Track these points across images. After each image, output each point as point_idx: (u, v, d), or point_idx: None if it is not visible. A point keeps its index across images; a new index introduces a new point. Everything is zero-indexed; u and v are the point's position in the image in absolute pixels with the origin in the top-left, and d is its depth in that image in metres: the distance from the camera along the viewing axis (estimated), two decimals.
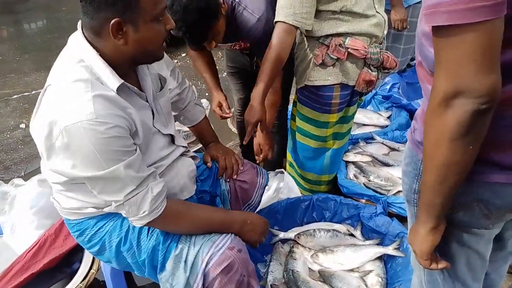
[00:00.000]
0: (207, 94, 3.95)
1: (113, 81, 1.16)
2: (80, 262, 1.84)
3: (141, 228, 1.37)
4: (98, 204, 1.34)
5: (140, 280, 2.05)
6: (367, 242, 1.95)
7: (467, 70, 0.70)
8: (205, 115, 1.81)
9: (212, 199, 1.69)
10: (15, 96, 4.39)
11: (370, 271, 1.82)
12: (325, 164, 2.24)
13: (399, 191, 2.28)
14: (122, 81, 1.18)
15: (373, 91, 3.21)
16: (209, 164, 1.69)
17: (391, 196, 2.23)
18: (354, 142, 2.76)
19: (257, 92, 1.74)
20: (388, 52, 1.91)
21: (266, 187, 1.86)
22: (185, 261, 1.33)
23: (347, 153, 2.57)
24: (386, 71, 1.94)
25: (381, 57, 1.85)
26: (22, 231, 1.89)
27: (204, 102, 3.18)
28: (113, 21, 1.09)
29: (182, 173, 1.49)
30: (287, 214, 2.08)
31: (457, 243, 1.05)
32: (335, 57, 1.82)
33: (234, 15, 1.82)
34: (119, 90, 1.17)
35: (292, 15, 1.65)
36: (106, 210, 1.36)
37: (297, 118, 2.13)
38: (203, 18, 1.65)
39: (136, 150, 1.20)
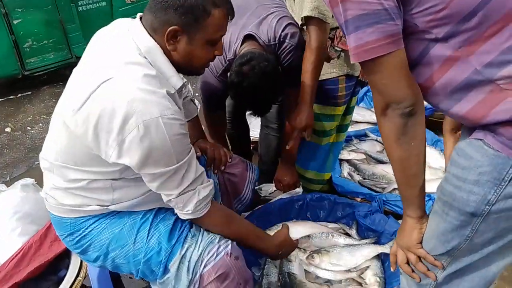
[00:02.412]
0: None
1: (177, 80, 1.21)
2: (67, 269, 1.77)
3: (140, 226, 1.34)
4: (108, 201, 1.32)
5: (129, 286, 1.99)
6: (363, 241, 1.91)
7: (388, 87, 0.95)
8: (197, 113, 1.78)
9: None
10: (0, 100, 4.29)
11: (367, 269, 1.77)
12: (329, 160, 2.20)
13: (394, 189, 2.23)
14: (184, 81, 1.22)
15: (365, 88, 3.17)
16: (199, 154, 1.65)
17: (386, 193, 2.19)
18: (347, 139, 2.71)
19: (305, 95, 1.75)
20: None
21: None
22: (189, 261, 1.30)
23: (341, 151, 2.52)
24: None
25: None
26: (4, 238, 1.81)
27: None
28: (172, 27, 1.14)
29: None
30: (281, 214, 2.03)
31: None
32: (340, 49, 1.79)
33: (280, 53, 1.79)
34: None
35: (317, 8, 1.62)
36: (112, 208, 1.33)
37: None
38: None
39: (191, 147, 1.24)
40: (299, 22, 1.72)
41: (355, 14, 0.89)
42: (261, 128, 2.41)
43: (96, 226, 1.34)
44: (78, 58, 4.69)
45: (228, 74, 1.67)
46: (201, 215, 1.30)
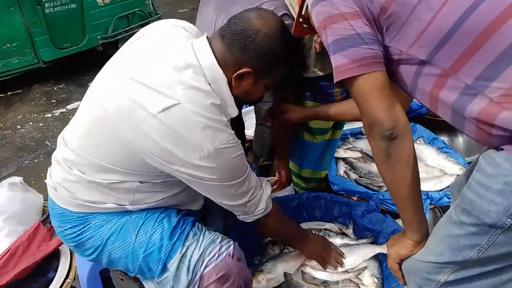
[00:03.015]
0: None
1: (233, 110, 1.25)
2: (56, 270, 1.73)
3: (145, 220, 1.32)
4: (127, 201, 1.30)
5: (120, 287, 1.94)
6: (361, 241, 1.87)
7: (368, 107, 0.99)
8: None
9: None
10: None
11: (364, 270, 1.73)
12: (325, 158, 2.17)
13: None
14: (238, 111, 1.27)
15: None
16: None
17: (383, 192, 2.15)
18: (343, 137, 2.67)
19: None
20: None
21: None
22: (189, 261, 1.27)
23: (337, 149, 2.48)
24: None
25: None
26: None
27: None
28: (246, 69, 1.20)
29: None
30: None
31: None
32: None
33: None
34: None
35: None
36: (129, 208, 1.31)
37: None
38: None
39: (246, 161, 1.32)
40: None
41: (334, 39, 0.99)
42: (256, 126, 2.38)
43: (103, 218, 1.31)
44: (46, 63, 4.18)
45: None
46: (269, 210, 1.40)
